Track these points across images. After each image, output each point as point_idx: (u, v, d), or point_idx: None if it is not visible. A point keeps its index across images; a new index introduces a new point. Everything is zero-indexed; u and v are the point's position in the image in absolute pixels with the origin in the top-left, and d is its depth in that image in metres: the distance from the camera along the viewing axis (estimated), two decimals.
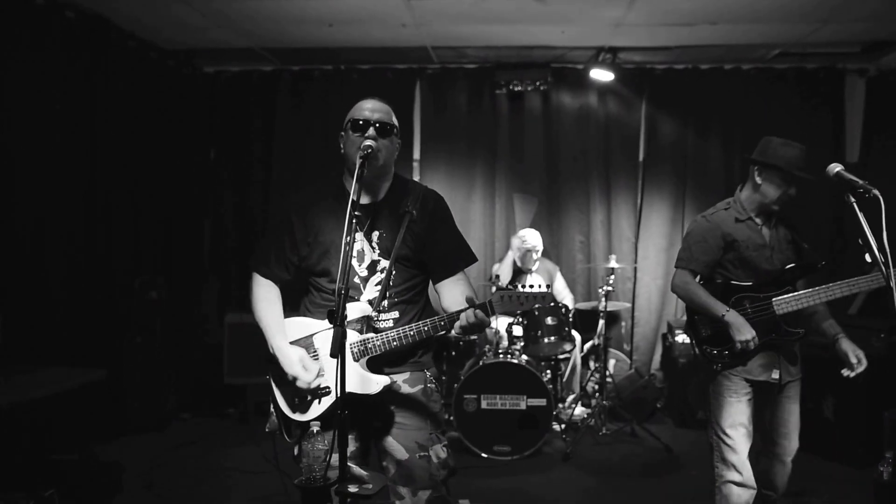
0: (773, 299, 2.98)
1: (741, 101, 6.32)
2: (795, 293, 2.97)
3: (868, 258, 2.29)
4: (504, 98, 6.48)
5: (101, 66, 5.10)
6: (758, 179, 3.04)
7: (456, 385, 4.91)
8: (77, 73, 4.88)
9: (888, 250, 2.19)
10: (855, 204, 2.32)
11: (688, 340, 3.55)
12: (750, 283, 3.05)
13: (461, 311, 2.19)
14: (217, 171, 6.62)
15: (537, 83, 6.27)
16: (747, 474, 2.97)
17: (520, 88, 6.31)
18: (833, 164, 2.47)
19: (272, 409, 2.52)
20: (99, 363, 4.11)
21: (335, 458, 1.97)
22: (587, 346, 5.92)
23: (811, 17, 5.09)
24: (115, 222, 5.29)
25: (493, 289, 2.39)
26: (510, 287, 2.25)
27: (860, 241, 2.27)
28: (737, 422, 2.99)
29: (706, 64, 6.41)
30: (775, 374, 3.00)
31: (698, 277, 3.15)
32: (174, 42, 5.81)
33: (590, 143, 6.51)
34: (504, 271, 5.81)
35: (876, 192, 2.27)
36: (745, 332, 2.92)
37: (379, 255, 2.43)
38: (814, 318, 3.11)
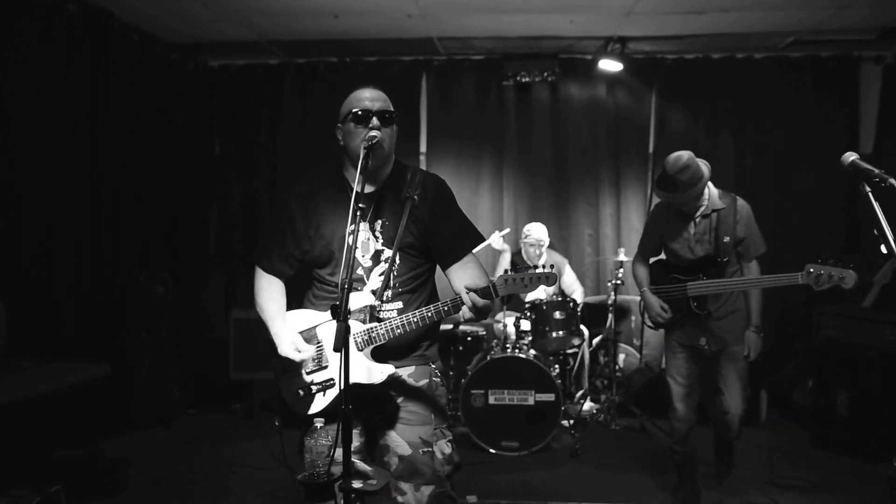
0: (688, 283, 3.60)
1: (753, 90, 6.21)
2: (707, 280, 3.56)
3: (884, 249, 2.22)
4: (511, 90, 6.40)
5: (104, 60, 5.06)
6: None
7: (463, 380, 4.87)
8: (80, 67, 4.84)
9: None
10: (870, 193, 2.23)
11: None
12: (681, 265, 3.69)
13: (465, 295, 2.15)
14: (222, 166, 6.58)
15: (545, 74, 6.18)
16: (682, 411, 3.73)
17: (527, 80, 6.22)
18: (848, 153, 2.36)
19: (277, 405, 2.50)
20: (104, 359, 4.08)
21: (339, 453, 1.94)
22: (596, 340, 5.85)
23: (826, 2, 4.99)
24: (120, 217, 5.26)
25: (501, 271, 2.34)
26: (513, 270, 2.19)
27: (875, 231, 2.20)
28: (672, 371, 3.76)
29: (718, 53, 6.30)
30: (702, 341, 3.65)
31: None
32: (178, 35, 5.77)
33: (598, 135, 6.43)
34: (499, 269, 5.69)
35: (893, 180, 2.17)
36: (652, 308, 3.72)
37: (382, 244, 2.39)
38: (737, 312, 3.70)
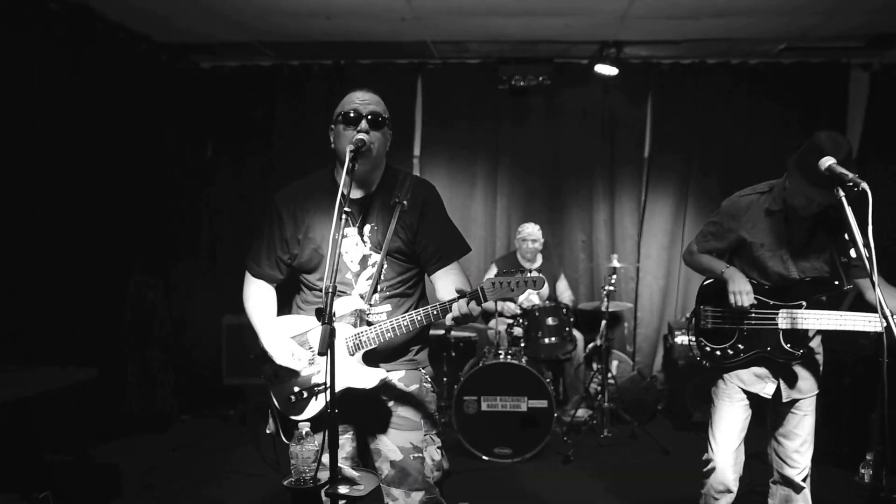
0: (781, 310, 2.77)
1: (747, 96, 6.24)
2: (807, 311, 2.73)
3: (853, 254, 2.23)
4: (506, 94, 6.40)
5: (88, 60, 4.99)
6: (786, 182, 2.69)
7: (456, 386, 4.85)
8: (63, 67, 4.77)
9: (873, 245, 2.11)
10: (843, 198, 2.25)
11: (686, 342, 3.42)
12: (766, 285, 2.83)
13: (453, 300, 2.15)
14: (215, 169, 6.55)
15: (540, 78, 6.18)
16: (725, 479, 2.91)
17: (523, 84, 6.21)
18: (825, 158, 2.37)
19: (269, 411, 2.48)
20: (94, 364, 4.05)
21: (326, 458, 1.93)
22: (589, 346, 5.84)
23: (816, 9, 5.01)
24: (109, 222, 5.21)
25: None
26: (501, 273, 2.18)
27: (846, 236, 2.20)
28: (724, 426, 2.91)
29: (713, 59, 6.32)
30: (769, 389, 2.84)
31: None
32: (167, 35, 5.69)
33: (593, 140, 6.44)
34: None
35: (864, 185, 2.18)
36: (739, 283, 2.76)
37: (370, 248, 2.38)
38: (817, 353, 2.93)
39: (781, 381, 2.84)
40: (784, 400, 2.83)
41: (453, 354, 5.49)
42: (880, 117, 6.15)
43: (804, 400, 2.85)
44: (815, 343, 2.90)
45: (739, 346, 2.84)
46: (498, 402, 4.79)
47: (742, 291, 2.74)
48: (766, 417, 2.97)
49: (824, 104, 6.19)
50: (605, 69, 6.02)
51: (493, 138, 6.49)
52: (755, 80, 6.25)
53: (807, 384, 2.85)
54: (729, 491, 2.93)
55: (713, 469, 2.92)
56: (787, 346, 2.76)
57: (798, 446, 2.87)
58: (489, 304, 5.13)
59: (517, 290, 2.14)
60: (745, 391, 2.87)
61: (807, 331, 2.79)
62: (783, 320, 2.76)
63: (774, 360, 2.80)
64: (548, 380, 4.95)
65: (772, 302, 2.79)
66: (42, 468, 3.65)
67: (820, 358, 2.91)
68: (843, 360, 4.52)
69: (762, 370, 2.84)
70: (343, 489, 1.86)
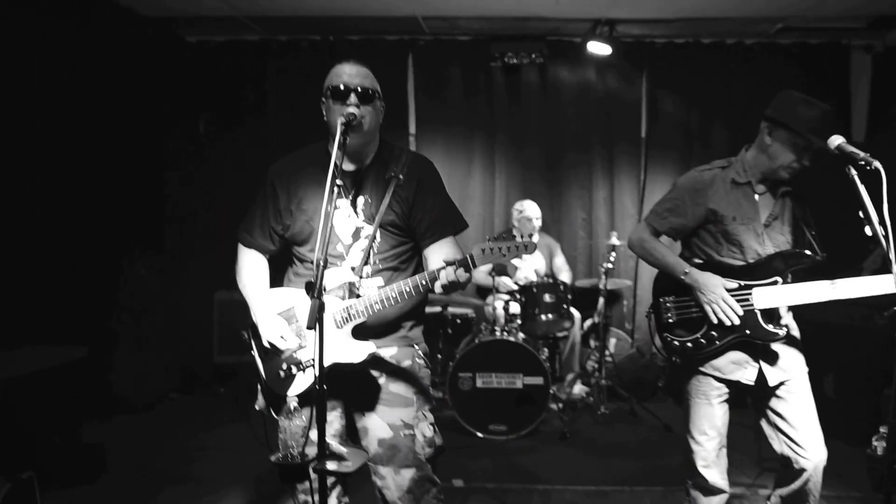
0: (754, 289, 2.57)
1: (745, 76, 6.13)
2: (783, 286, 2.55)
3: (868, 231, 2.22)
4: (499, 71, 6.29)
5: (78, 32, 4.87)
6: (767, 139, 2.62)
7: (451, 363, 4.80)
8: (53, 40, 4.65)
9: (889, 224, 2.11)
10: (856, 177, 2.25)
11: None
12: (739, 264, 2.63)
13: (440, 268, 2.08)
14: (207, 143, 6.41)
15: (533, 56, 6.08)
16: (713, 479, 2.72)
17: (515, 61, 6.11)
18: (834, 136, 2.37)
19: (258, 387, 2.44)
20: (85, 342, 3.99)
21: (314, 434, 1.87)
22: (587, 324, 5.80)
23: None
24: (101, 198, 5.12)
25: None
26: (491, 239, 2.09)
27: (860, 214, 2.20)
28: (705, 427, 2.69)
29: (707, 38, 6.21)
30: (749, 375, 2.60)
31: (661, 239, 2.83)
32: (151, 8, 5.53)
33: (590, 118, 6.35)
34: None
35: (877, 164, 2.19)
36: (713, 289, 2.54)
37: (363, 221, 2.33)
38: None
39: (763, 364, 2.61)
40: (771, 384, 2.60)
41: (450, 331, 5.44)
42: (886, 100, 6.02)
43: (793, 381, 2.62)
44: (789, 319, 2.71)
45: (713, 333, 2.61)
46: (493, 379, 4.75)
47: (720, 299, 2.54)
48: (754, 412, 2.75)
49: (823, 85, 6.05)
50: (599, 47, 5.90)
51: (489, 115, 6.38)
52: (752, 60, 6.15)
53: (792, 362, 2.64)
54: (722, 491, 2.76)
55: (699, 473, 2.73)
56: (768, 327, 2.55)
57: (802, 431, 2.60)
58: (485, 279, 5.09)
59: (508, 254, 2.05)
60: (722, 381, 2.65)
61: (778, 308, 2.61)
62: (760, 300, 2.55)
63: (753, 343, 2.58)
64: (543, 357, 4.90)
65: (743, 282, 2.59)
66: (27, 448, 3.59)
67: (797, 334, 2.71)
68: (857, 339, 4.49)
69: (740, 355, 2.62)
70: (331, 465, 1.80)
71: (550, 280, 5.16)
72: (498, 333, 4.89)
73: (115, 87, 5.28)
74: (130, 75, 5.44)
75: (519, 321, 5.04)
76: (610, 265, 5.19)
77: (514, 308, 5.13)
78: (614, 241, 5.27)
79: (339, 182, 1.99)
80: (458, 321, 5.49)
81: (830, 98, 6.04)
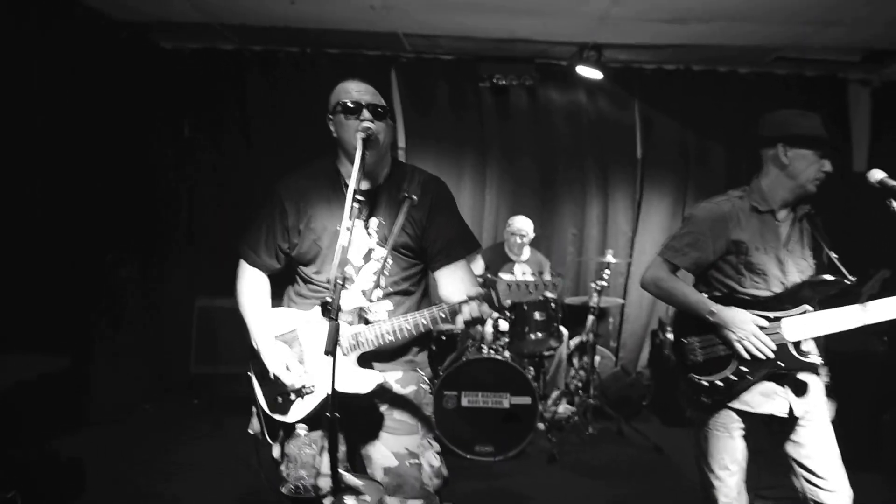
0: (783, 320, 2.49)
1: (741, 104, 6.15)
2: (813, 313, 2.47)
3: None
4: (488, 91, 6.28)
5: (50, 36, 4.69)
6: (784, 158, 2.54)
7: (435, 381, 4.71)
8: (23, 42, 4.49)
9: None
10: None
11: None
12: (765, 295, 2.54)
13: (463, 301, 2.01)
14: (198, 146, 6.25)
15: (522, 78, 6.08)
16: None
17: (504, 83, 6.11)
18: (875, 171, 2.51)
19: (254, 410, 2.34)
20: (62, 348, 3.81)
21: (325, 464, 1.78)
22: (574, 342, 5.76)
23: (808, 18, 4.92)
24: (84, 203, 4.95)
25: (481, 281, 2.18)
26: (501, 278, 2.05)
27: None
28: (726, 461, 2.57)
29: (699, 65, 6.26)
30: (783, 407, 2.48)
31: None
32: (125, 12, 5.32)
33: (583, 139, 6.36)
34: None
35: None
36: (742, 325, 2.45)
37: (376, 242, 2.26)
38: None
39: (790, 394, 2.51)
40: (798, 415, 2.49)
41: (434, 348, 5.34)
42: (887, 132, 6.10)
43: (818, 412, 2.55)
44: (810, 344, 2.60)
45: (743, 368, 2.50)
46: (479, 399, 4.67)
47: (751, 335, 2.46)
48: (772, 441, 2.63)
49: (825, 116, 6.12)
50: (588, 72, 5.88)
51: (479, 132, 6.36)
52: (747, 89, 6.20)
53: (815, 390, 2.55)
54: None
55: None
56: (802, 357, 2.48)
57: (828, 462, 2.50)
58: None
59: (535, 293, 2.00)
60: (743, 414, 2.53)
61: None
62: (790, 331, 2.47)
63: (780, 373, 2.49)
64: (531, 376, 4.84)
65: (772, 315, 2.51)
66: (8, 466, 3.41)
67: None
68: (857, 364, 4.47)
69: (768, 385, 2.50)
70: (350, 500, 1.72)
71: (542, 297, 5.10)
72: (485, 351, 4.82)
73: (95, 93, 5.10)
74: (107, 81, 5.26)
75: (507, 339, 4.98)
76: (605, 283, 5.16)
77: (504, 326, 5.07)
78: (609, 258, 5.25)
79: (359, 197, 1.93)
80: (444, 337, 5.40)
81: (831, 129, 6.14)
